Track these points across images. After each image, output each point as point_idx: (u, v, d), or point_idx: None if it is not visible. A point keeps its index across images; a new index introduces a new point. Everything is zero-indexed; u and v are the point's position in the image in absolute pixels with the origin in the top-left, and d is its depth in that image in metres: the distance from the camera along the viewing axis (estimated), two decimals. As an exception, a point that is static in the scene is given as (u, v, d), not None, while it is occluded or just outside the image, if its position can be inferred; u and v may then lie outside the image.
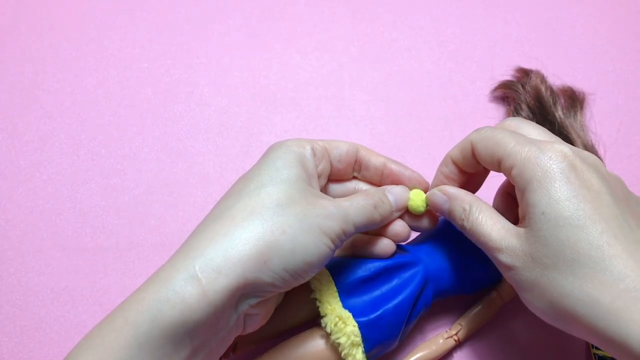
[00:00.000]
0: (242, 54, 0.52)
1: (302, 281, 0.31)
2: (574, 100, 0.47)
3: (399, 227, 0.35)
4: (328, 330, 0.33)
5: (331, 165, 0.35)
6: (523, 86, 0.47)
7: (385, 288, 0.35)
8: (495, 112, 0.48)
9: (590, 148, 0.44)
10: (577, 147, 0.42)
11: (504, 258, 0.30)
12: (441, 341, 0.37)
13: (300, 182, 0.31)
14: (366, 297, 0.34)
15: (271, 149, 0.33)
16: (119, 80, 0.50)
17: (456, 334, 0.37)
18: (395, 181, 0.36)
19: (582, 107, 0.47)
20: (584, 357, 0.39)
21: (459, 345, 0.38)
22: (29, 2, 0.54)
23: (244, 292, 0.28)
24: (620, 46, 0.52)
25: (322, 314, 0.34)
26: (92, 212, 0.44)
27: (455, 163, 0.35)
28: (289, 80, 0.50)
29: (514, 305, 0.40)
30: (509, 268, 0.30)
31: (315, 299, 0.35)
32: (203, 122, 0.48)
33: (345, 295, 0.34)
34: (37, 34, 0.52)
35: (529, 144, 0.30)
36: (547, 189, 0.28)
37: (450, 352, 0.38)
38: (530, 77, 0.47)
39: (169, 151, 0.47)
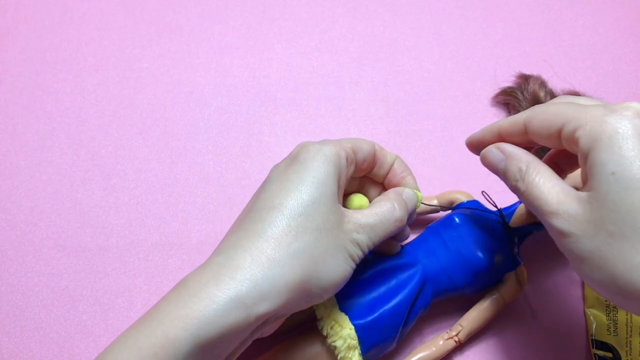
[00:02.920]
0: (242, 54, 0.52)
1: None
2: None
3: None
4: (324, 333, 0.33)
5: (356, 166, 0.34)
6: (522, 92, 0.46)
7: (382, 289, 0.35)
8: (496, 118, 0.48)
9: None
10: None
11: (561, 224, 0.27)
12: (441, 342, 0.37)
13: (334, 199, 0.31)
14: (363, 299, 0.34)
15: (309, 155, 0.31)
16: (118, 81, 0.50)
17: (456, 335, 0.37)
18: (396, 182, 0.36)
19: None
20: (584, 357, 0.39)
21: (459, 346, 0.38)
22: (29, 2, 0.54)
23: (279, 313, 0.29)
24: (623, 45, 0.52)
25: (318, 316, 0.34)
26: (92, 212, 0.44)
27: (500, 134, 0.33)
28: (289, 80, 0.50)
29: (515, 306, 0.40)
30: (566, 235, 0.27)
31: None
32: (203, 122, 0.48)
33: (342, 297, 0.34)
34: (37, 34, 0.52)
35: (595, 106, 0.28)
36: (618, 146, 0.25)
37: (450, 353, 0.38)
38: (529, 83, 0.47)
39: (169, 151, 0.47)
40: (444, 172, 0.45)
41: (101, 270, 0.42)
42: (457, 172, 0.45)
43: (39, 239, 0.43)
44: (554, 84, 0.49)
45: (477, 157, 0.46)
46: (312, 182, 0.30)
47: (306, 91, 0.50)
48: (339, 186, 0.31)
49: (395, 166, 0.36)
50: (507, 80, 0.50)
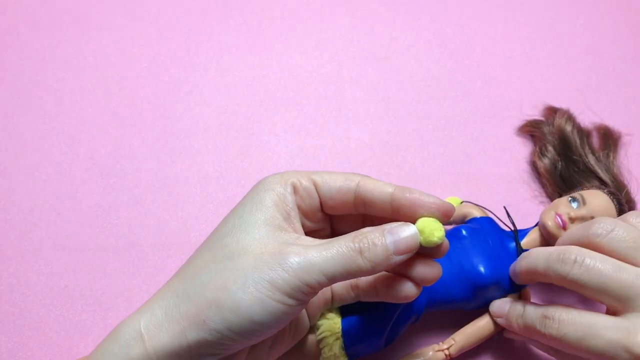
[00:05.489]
0: (242, 54, 0.52)
1: (262, 338, 0.28)
2: (608, 138, 0.46)
3: (425, 269, 0.29)
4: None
5: (322, 202, 0.31)
6: (548, 125, 0.46)
7: None
8: (494, 121, 0.48)
9: (621, 186, 0.43)
10: (607, 184, 0.41)
11: None
12: (431, 353, 0.37)
13: (266, 226, 0.28)
14: None
15: (253, 188, 0.30)
16: (118, 80, 0.50)
17: (448, 349, 0.37)
18: (410, 215, 0.29)
19: (615, 146, 0.46)
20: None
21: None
22: (28, 1, 0.54)
23: (194, 351, 0.27)
24: (623, 45, 0.52)
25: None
26: (91, 211, 0.44)
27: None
28: (289, 79, 0.50)
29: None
30: None
31: None
32: (203, 121, 0.48)
33: None
34: (37, 34, 0.52)
35: None
36: None
37: None
38: (555, 117, 0.46)
39: (169, 151, 0.47)
40: (443, 172, 0.45)
41: (100, 270, 0.42)
42: (457, 171, 0.45)
43: (39, 238, 0.43)
44: (587, 120, 0.48)
45: (477, 157, 0.46)
46: (238, 212, 0.29)
47: (306, 91, 0.50)
48: (283, 214, 0.29)
49: (406, 197, 0.29)
50: (506, 78, 0.50)
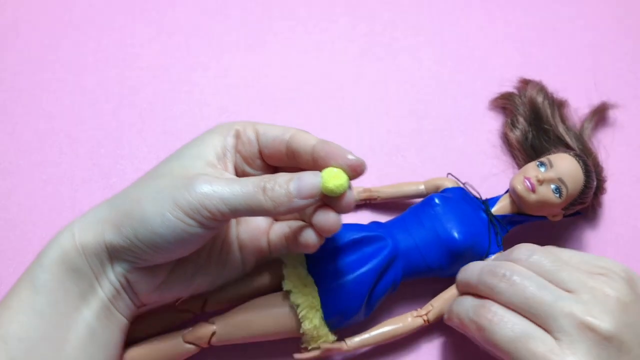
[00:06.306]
0: (242, 54, 0.52)
1: (169, 256, 0.31)
2: (593, 112, 0.47)
3: (322, 216, 0.31)
4: (286, 288, 0.34)
5: (260, 150, 0.34)
6: (520, 97, 0.46)
7: (351, 258, 0.35)
8: (493, 121, 0.48)
9: (588, 152, 0.43)
10: (575, 151, 0.41)
11: None
12: (410, 319, 0.37)
13: (195, 159, 0.32)
14: (330, 266, 0.35)
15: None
16: (118, 80, 0.50)
17: (426, 314, 0.37)
18: (324, 166, 0.31)
19: (594, 117, 0.47)
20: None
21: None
22: (29, 1, 0.54)
23: (111, 254, 0.31)
24: (623, 45, 0.52)
25: (285, 276, 0.35)
26: (91, 211, 0.44)
27: None
28: (289, 79, 0.50)
29: None
30: None
31: (283, 262, 0.36)
32: (203, 121, 0.48)
33: (312, 262, 0.35)
34: (37, 33, 0.52)
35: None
36: None
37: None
38: (527, 88, 0.46)
39: (169, 150, 0.46)
40: (443, 172, 0.45)
41: (101, 270, 0.42)
42: (456, 171, 0.45)
43: (39, 239, 0.43)
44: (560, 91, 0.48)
45: (476, 157, 0.46)
46: (183, 146, 0.33)
47: (306, 90, 0.50)
48: (217, 154, 0.33)
49: (324, 149, 0.31)
50: (507, 79, 0.50)
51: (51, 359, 0.31)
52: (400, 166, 0.46)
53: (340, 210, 0.31)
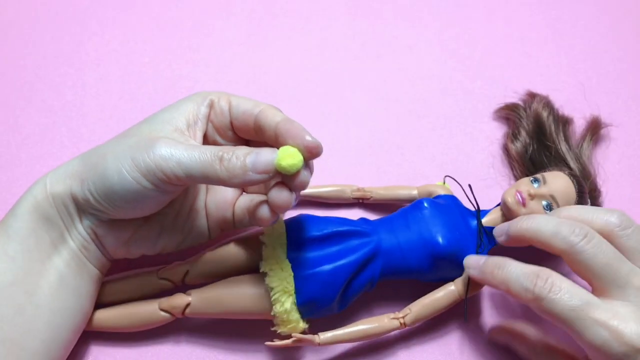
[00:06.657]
0: (243, 50, 0.52)
1: (127, 213, 0.33)
2: (589, 128, 0.46)
3: (275, 192, 0.31)
4: (263, 269, 0.35)
5: (232, 122, 0.35)
6: (525, 110, 0.46)
7: (331, 250, 0.36)
8: (497, 131, 0.48)
9: (587, 174, 0.43)
10: (575, 173, 0.41)
11: None
12: (386, 320, 0.37)
13: (165, 123, 0.33)
14: (309, 254, 0.35)
15: None
16: (120, 75, 0.50)
17: (403, 317, 0.37)
18: (283, 143, 0.31)
19: (593, 136, 0.46)
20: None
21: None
22: (31, -5, 0.54)
23: (78, 206, 0.33)
24: (623, 45, 0.52)
25: (263, 257, 0.35)
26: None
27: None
28: (289, 77, 0.50)
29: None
30: None
31: (263, 243, 0.36)
32: (204, 117, 0.48)
33: (293, 248, 0.36)
34: (39, 28, 0.53)
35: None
36: None
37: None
38: (534, 102, 0.46)
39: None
40: (443, 171, 0.45)
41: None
42: (456, 171, 0.46)
43: (39, 231, 0.43)
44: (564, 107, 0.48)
45: (476, 157, 0.47)
46: (158, 111, 0.34)
47: (306, 88, 0.50)
48: (188, 121, 0.34)
49: (285, 128, 0.31)
50: (506, 78, 0.50)
51: (23, 303, 0.32)
52: (400, 165, 0.46)
53: (294, 188, 0.32)
